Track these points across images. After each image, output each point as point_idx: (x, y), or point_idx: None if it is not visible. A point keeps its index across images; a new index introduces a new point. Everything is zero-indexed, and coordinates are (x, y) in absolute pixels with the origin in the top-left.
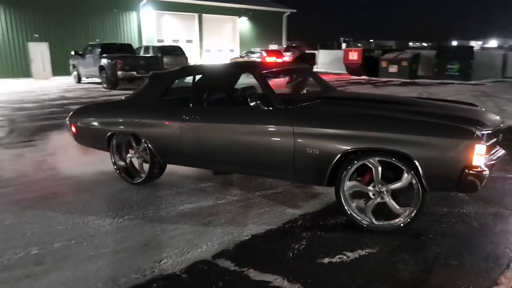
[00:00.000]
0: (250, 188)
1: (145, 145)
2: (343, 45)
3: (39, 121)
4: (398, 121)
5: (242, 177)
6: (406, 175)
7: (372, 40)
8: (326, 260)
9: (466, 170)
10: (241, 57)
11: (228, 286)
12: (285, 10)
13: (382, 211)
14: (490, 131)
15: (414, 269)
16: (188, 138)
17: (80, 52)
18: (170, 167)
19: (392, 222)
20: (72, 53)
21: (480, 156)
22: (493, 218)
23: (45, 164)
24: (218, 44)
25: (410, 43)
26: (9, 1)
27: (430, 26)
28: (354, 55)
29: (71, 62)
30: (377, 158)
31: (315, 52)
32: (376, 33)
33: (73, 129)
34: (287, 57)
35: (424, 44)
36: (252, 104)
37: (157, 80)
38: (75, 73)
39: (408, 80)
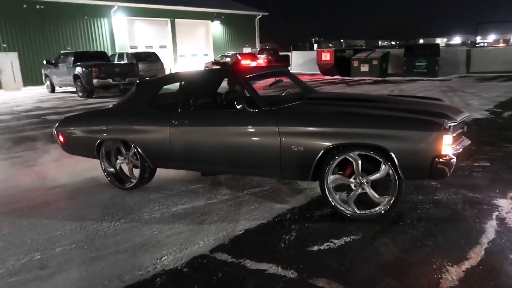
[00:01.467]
0: (238, 188)
1: (135, 150)
2: (315, 46)
3: (18, 133)
4: (375, 117)
5: (229, 178)
6: (383, 166)
7: (342, 40)
8: (316, 248)
9: (436, 159)
10: (215, 61)
11: (228, 276)
12: (257, 13)
13: (363, 201)
14: (455, 123)
15: (394, 251)
16: (178, 142)
17: (53, 61)
18: (157, 172)
19: (373, 210)
20: (44, 62)
21: (448, 145)
22: (462, 203)
23: (33, 175)
24: (192, 48)
25: (379, 42)
26: None
27: (396, 24)
28: (326, 56)
29: (43, 71)
30: (357, 152)
31: (289, 53)
32: (346, 32)
33: (61, 138)
34: (261, 59)
35: (393, 43)
36: (238, 107)
37: (145, 88)
38: (48, 82)
39: (379, 79)
